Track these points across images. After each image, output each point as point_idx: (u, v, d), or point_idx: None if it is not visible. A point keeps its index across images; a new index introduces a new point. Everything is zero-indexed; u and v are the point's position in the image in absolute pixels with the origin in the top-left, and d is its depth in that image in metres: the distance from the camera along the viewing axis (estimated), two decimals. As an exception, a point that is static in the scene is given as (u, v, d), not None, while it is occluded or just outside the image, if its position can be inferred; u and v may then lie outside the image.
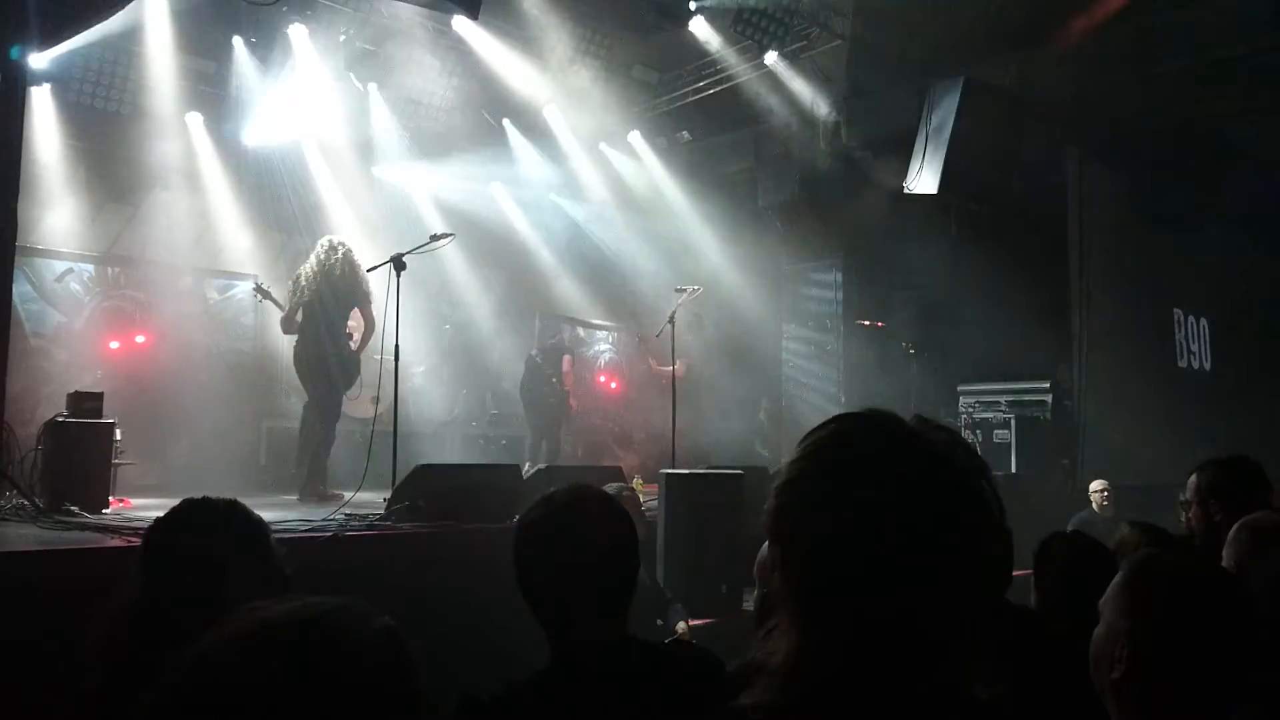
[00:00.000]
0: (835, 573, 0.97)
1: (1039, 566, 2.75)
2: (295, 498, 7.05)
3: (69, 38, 6.67)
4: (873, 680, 0.95)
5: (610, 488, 4.47)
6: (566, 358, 10.31)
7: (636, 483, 7.76)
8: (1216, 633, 1.42)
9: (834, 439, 1.03)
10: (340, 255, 7.26)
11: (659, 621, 4.93)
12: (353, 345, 7.31)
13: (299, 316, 7.26)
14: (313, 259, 7.35)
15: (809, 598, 0.99)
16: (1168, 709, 1.40)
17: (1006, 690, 1.66)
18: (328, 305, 7.18)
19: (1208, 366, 10.19)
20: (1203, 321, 10.17)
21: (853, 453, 1.01)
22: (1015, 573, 2.90)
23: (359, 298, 7.27)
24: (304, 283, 7.25)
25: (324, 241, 7.45)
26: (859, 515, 0.96)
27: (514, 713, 1.64)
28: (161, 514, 2.02)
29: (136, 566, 1.93)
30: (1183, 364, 9.98)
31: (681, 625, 4.99)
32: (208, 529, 1.95)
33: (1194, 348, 10.08)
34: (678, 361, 8.36)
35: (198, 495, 2.04)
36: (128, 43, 8.55)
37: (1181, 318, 10.04)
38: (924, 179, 8.72)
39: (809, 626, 0.98)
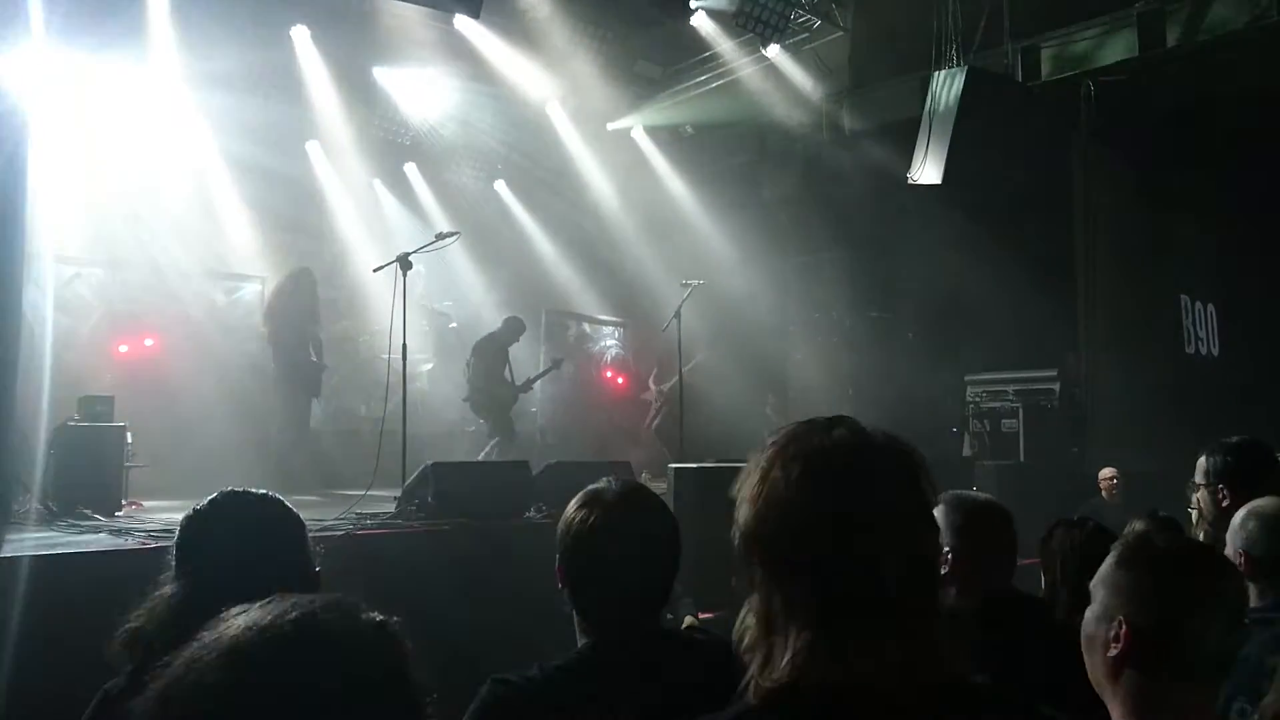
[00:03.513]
0: (781, 565, 1.04)
1: (1044, 553, 2.76)
2: (299, 496, 7.10)
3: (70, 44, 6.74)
4: (838, 668, 0.99)
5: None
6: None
7: (644, 477, 7.78)
8: (1211, 608, 1.45)
9: (772, 447, 1.10)
10: (282, 282, 8.43)
11: (668, 615, 4.96)
12: (313, 357, 8.41)
13: (271, 335, 8.34)
14: (277, 284, 8.59)
15: (765, 590, 1.05)
16: (1164, 684, 1.42)
17: (1009, 677, 1.68)
18: (290, 326, 8.22)
19: (1215, 352, 10.15)
20: (1210, 307, 10.13)
21: (783, 456, 1.08)
22: (1023, 561, 2.93)
23: (309, 319, 8.39)
24: (269, 306, 8.53)
25: (288, 271, 8.62)
26: (791, 512, 1.03)
27: (546, 694, 1.66)
28: (199, 504, 1.91)
29: (171, 558, 1.86)
30: (1190, 350, 9.94)
31: (689, 619, 5.01)
32: (246, 521, 1.86)
33: (1201, 333, 10.03)
34: (698, 355, 8.51)
35: (238, 488, 1.95)
36: (131, 45, 8.58)
37: (1188, 303, 10.00)
38: (928, 169, 8.69)
39: (771, 618, 1.04)
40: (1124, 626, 1.45)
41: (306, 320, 8.33)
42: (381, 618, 0.94)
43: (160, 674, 0.88)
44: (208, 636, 0.89)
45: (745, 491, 1.08)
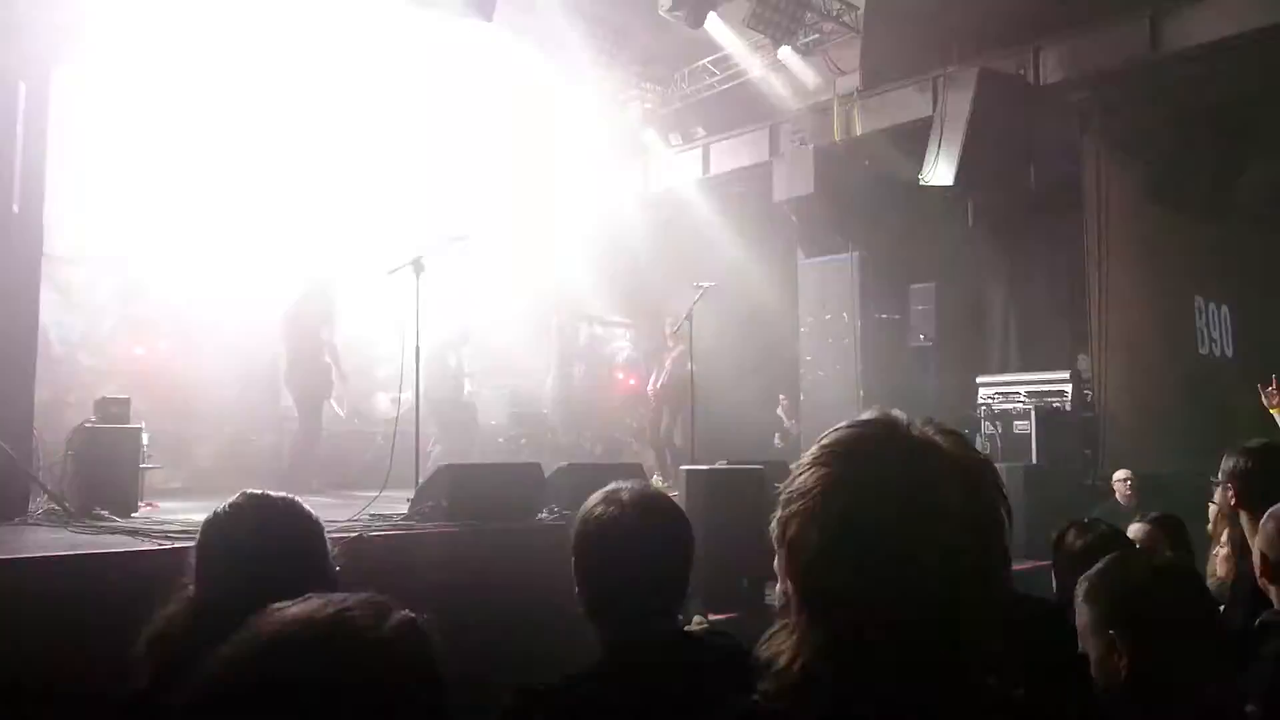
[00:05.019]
0: (835, 580, 0.98)
1: (1056, 556, 2.76)
2: (315, 497, 7.14)
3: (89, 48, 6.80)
4: (873, 679, 0.96)
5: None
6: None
7: (656, 479, 7.79)
8: (1187, 617, 1.51)
9: (838, 447, 1.03)
10: (298, 285, 8.35)
11: (679, 616, 4.95)
12: (326, 360, 8.36)
13: (287, 338, 8.31)
14: (294, 288, 8.45)
15: (811, 602, 1.00)
16: (1168, 693, 1.44)
17: (1025, 681, 1.68)
18: (306, 329, 8.23)
19: (1229, 353, 10.09)
20: (1223, 308, 10.07)
21: (855, 462, 1.01)
22: (1038, 563, 2.93)
23: (326, 322, 8.38)
24: (285, 310, 8.39)
25: (305, 274, 8.55)
26: (857, 526, 0.97)
27: (572, 704, 1.67)
28: (220, 507, 1.91)
29: (192, 561, 1.87)
30: (1204, 351, 9.88)
31: (698, 619, 5.01)
32: (266, 524, 1.86)
33: (1215, 335, 9.97)
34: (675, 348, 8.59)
35: (257, 490, 1.95)
36: (147, 45, 8.63)
37: (1202, 305, 9.94)
38: (940, 170, 8.69)
39: (811, 629, 1.00)
40: (1123, 655, 1.47)
41: (323, 323, 8.33)
42: (412, 615, 0.97)
43: (198, 670, 0.90)
44: (246, 632, 0.92)
45: (796, 504, 1.02)
